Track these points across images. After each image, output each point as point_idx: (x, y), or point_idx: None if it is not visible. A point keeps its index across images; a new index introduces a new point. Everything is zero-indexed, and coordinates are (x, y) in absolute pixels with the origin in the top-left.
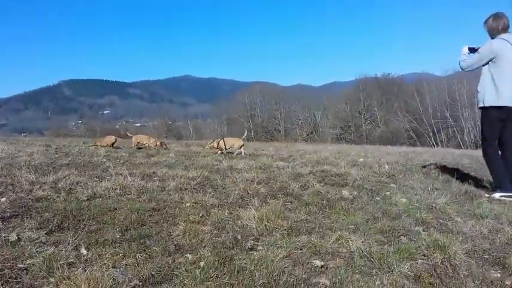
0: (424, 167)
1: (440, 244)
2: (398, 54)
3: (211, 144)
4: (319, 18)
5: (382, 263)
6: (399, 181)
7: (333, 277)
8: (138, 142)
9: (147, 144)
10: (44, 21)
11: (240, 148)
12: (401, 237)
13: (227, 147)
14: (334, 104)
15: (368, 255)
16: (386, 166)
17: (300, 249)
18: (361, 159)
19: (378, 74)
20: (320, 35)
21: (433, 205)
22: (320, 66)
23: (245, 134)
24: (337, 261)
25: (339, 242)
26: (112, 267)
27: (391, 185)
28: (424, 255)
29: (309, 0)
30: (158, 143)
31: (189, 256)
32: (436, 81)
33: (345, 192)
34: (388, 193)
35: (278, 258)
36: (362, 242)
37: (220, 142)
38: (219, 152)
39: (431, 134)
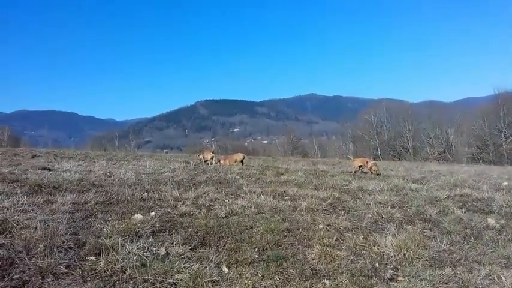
0: None
1: None
2: None
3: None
4: (448, 27)
5: None
6: None
7: None
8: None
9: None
10: (183, 46)
11: (212, 159)
12: None
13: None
14: (469, 121)
15: None
16: None
17: (446, 283)
18: (506, 183)
19: None
20: (451, 45)
21: None
22: (452, 81)
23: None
24: None
25: (490, 277)
26: None
27: None
28: None
29: (440, 11)
30: (371, 165)
31: (327, 282)
32: None
33: (491, 221)
34: None
35: None
36: None
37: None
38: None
39: None
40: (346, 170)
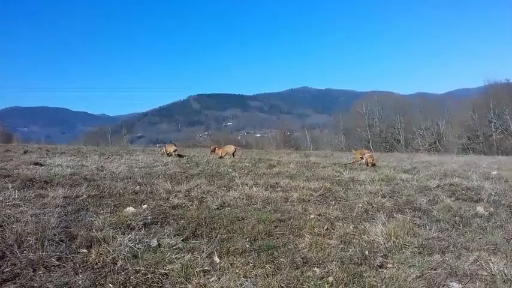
0: None
1: None
2: None
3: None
4: (439, 19)
5: None
6: None
7: None
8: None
9: None
10: (175, 41)
11: (174, 152)
12: None
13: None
14: (460, 113)
15: None
16: None
17: (434, 270)
18: (495, 172)
19: (510, 79)
20: (440, 38)
21: None
22: (442, 73)
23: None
24: (477, 285)
25: (478, 263)
26: (243, 277)
27: None
28: None
29: (430, 2)
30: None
31: (317, 270)
32: None
33: (480, 209)
34: None
35: (411, 279)
36: (504, 264)
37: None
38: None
39: None
40: (343, 161)
